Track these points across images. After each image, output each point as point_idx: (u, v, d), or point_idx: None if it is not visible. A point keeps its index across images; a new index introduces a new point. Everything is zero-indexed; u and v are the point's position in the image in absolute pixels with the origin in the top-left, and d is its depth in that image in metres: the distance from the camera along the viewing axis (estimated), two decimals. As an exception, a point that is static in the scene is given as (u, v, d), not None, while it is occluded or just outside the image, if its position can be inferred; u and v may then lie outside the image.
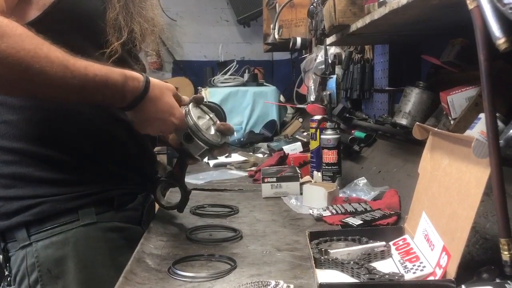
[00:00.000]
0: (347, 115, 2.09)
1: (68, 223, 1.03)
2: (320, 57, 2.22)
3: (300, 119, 3.25)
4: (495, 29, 0.67)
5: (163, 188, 1.26)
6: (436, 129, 0.96)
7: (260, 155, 2.54)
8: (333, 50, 2.22)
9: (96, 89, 0.91)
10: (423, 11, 1.11)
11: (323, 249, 0.96)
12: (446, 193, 0.89)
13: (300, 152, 2.25)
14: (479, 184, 0.76)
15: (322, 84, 2.30)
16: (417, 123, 1.03)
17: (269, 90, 3.43)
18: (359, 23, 1.36)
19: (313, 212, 1.33)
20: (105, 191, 1.09)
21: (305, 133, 2.65)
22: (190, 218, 1.37)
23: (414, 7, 1.04)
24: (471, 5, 0.72)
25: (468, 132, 1.19)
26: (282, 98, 3.49)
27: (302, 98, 2.95)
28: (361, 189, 1.51)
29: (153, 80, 1.02)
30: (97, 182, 1.08)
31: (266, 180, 1.61)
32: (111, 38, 1.03)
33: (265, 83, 3.61)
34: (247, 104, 3.35)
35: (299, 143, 2.38)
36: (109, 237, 1.09)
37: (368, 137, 1.90)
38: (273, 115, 3.36)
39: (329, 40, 1.75)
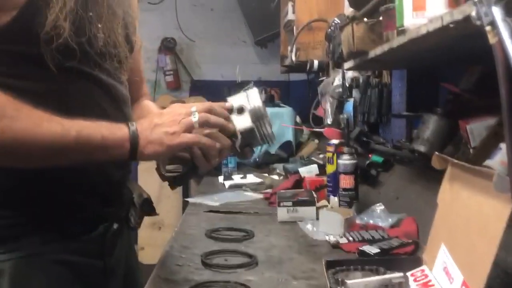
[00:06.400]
0: (364, 138, 2.08)
1: (6, 252, 0.89)
2: (338, 81, 2.23)
3: (316, 141, 3.24)
4: (517, 64, 0.66)
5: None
6: (455, 160, 0.95)
7: (276, 177, 2.53)
8: (350, 73, 2.23)
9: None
10: (442, 40, 1.10)
11: (340, 279, 0.95)
12: (465, 226, 0.87)
13: (316, 174, 2.23)
14: (500, 219, 0.75)
15: (339, 107, 2.30)
16: (436, 153, 1.02)
17: (286, 111, 3.44)
18: (378, 50, 1.36)
19: (329, 239, 1.32)
20: (54, 218, 0.93)
21: (321, 155, 2.64)
22: (205, 241, 1.37)
23: (433, 37, 1.04)
24: (492, 40, 0.71)
25: (488, 162, 1.18)
26: (298, 119, 3.49)
27: (319, 120, 2.95)
28: (378, 216, 1.49)
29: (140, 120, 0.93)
30: (44, 206, 0.92)
31: (282, 204, 1.60)
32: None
33: (281, 104, 3.62)
34: (264, 125, 3.35)
35: (315, 166, 2.36)
36: (55, 271, 0.93)
37: (386, 162, 1.89)
38: (289, 136, 3.36)
39: (347, 65, 1.76)
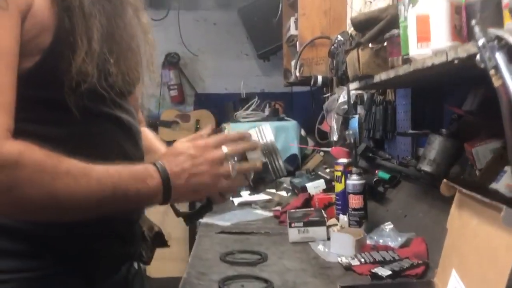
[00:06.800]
0: (370, 154, 2.12)
1: None
2: (342, 98, 2.27)
3: (321, 153, 3.28)
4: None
5: None
6: (463, 189, 0.99)
7: (284, 193, 2.56)
8: (354, 90, 2.27)
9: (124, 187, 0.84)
10: (447, 69, 1.14)
11: (355, 306, 0.99)
12: (475, 254, 0.91)
13: (323, 189, 2.27)
14: (509, 250, 0.79)
15: (345, 123, 2.34)
16: (445, 180, 1.05)
17: (290, 125, 3.47)
18: (383, 75, 1.40)
19: (341, 261, 1.35)
20: (83, 265, 0.91)
21: (327, 170, 2.67)
22: (220, 266, 1.40)
23: (438, 67, 1.08)
24: (496, 83, 0.75)
25: (494, 185, 1.21)
26: (303, 132, 3.53)
27: (324, 135, 2.99)
28: (388, 235, 1.52)
29: (166, 157, 0.93)
30: (72, 255, 0.90)
31: (293, 225, 1.63)
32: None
33: (285, 118, 3.66)
34: (269, 139, 3.38)
35: (322, 181, 2.39)
36: None
37: (393, 178, 1.92)
38: (295, 149, 3.39)
39: (352, 86, 1.80)
